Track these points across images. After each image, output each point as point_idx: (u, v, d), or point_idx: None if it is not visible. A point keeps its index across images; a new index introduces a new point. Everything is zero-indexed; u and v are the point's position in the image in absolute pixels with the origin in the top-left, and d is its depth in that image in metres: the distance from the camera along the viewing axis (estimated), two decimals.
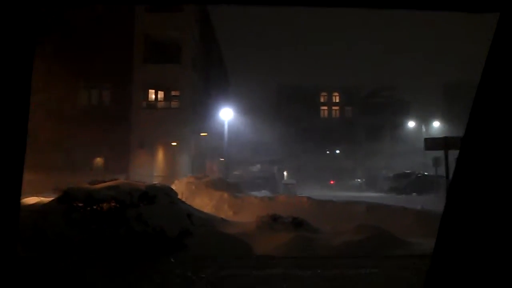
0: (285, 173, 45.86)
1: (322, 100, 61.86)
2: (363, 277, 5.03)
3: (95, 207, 8.50)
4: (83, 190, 8.80)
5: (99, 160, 25.12)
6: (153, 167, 25.29)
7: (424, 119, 52.79)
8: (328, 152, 57.73)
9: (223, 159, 33.92)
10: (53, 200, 9.09)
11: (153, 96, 27.32)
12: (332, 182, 45.71)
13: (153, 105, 27.01)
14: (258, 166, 36.93)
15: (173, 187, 14.02)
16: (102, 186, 9.15)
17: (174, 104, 27.07)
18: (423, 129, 50.65)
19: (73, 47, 23.81)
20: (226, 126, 29.40)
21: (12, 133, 1.09)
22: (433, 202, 16.32)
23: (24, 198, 9.96)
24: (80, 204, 8.51)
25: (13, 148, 1.11)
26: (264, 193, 20.94)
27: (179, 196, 11.50)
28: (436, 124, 51.26)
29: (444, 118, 51.48)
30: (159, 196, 9.21)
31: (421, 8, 1.35)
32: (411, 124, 54.50)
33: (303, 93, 59.16)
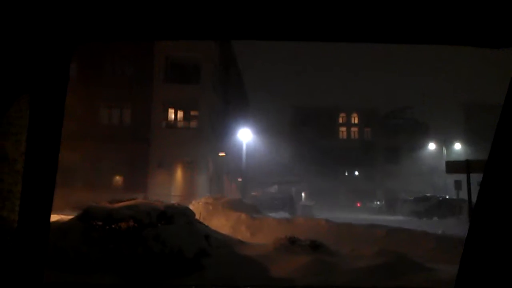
0: (303, 194, 45.54)
1: (340, 121, 61.66)
2: None
3: (114, 226, 8.56)
4: (103, 209, 8.89)
5: (118, 179, 25.39)
6: (171, 187, 25.42)
7: (445, 141, 52.04)
8: (346, 173, 57.21)
9: (240, 180, 33.90)
10: (73, 218, 9.19)
11: (173, 116, 27.67)
12: (358, 204, 45.08)
13: (172, 124, 27.33)
14: (276, 187, 36.78)
15: (191, 207, 14.04)
16: (121, 205, 9.22)
17: (193, 124, 27.35)
18: (444, 151, 49.89)
19: (94, 67, 24.39)
20: (244, 147, 29.48)
21: (44, 156, 1.13)
22: (455, 226, 15.96)
23: None
24: (100, 223, 8.58)
25: (45, 172, 1.14)
26: (281, 214, 20.80)
27: (197, 217, 11.49)
28: (457, 146, 50.44)
29: (465, 140, 50.62)
30: (177, 217, 9.23)
31: (438, 43, 1.36)
32: (431, 146, 53.73)
33: (321, 113, 59.10)
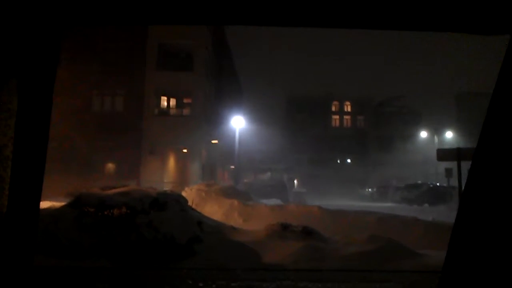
0: (295, 181, 45.72)
1: (333, 109, 61.74)
2: None
3: (106, 212, 8.55)
4: (95, 196, 8.88)
5: (110, 166, 25.32)
6: (164, 174, 25.42)
7: (436, 129, 52.36)
8: (339, 161, 57.46)
9: (233, 167, 33.95)
10: (65, 205, 9.17)
11: (165, 103, 27.55)
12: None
13: (165, 112, 27.23)
14: (269, 174, 36.93)
15: (183, 194, 14.06)
16: (114, 192, 9.21)
17: (186, 111, 27.27)
18: (435, 139, 50.21)
19: (86, 55, 24.14)
20: (237, 134, 29.47)
21: (33, 141, 1.13)
22: (445, 213, 16.15)
23: None
24: (92, 210, 8.57)
25: (34, 156, 1.14)
26: (274, 201, 20.88)
27: (189, 203, 11.52)
28: (448, 134, 50.81)
29: (456, 128, 51.00)
30: (170, 203, 9.25)
31: (432, 29, 1.36)
32: (423, 134, 54.06)
33: (314, 101, 59.12)
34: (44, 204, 11.16)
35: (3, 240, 1.11)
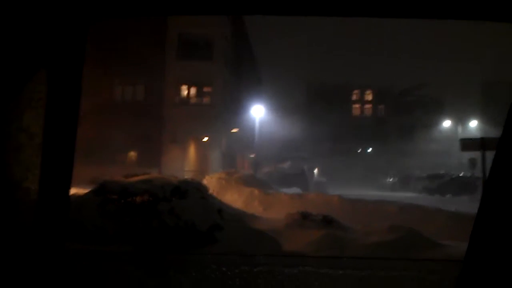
0: (315, 170, 45.58)
1: (354, 98, 61.07)
2: (394, 279, 4.97)
3: (129, 200, 8.71)
4: (118, 183, 9.04)
5: (132, 154, 25.69)
6: (185, 162, 25.66)
7: (460, 119, 51.33)
8: (360, 150, 56.96)
9: (253, 155, 34.03)
10: (89, 192, 9.36)
11: (186, 92, 27.69)
12: None
13: (185, 101, 27.39)
14: (288, 163, 36.81)
15: (204, 182, 14.19)
16: (136, 180, 9.36)
17: (206, 100, 27.38)
18: (459, 129, 49.27)
19: (107, 44, 24.36)
20: (257, 123, 29.48)
21: (63, 130, 1.16)
22: (468, 204, 15.89)
23: None
24: (115, 197, 8.74)
25: (64, 144, 1.17)
26: (294, 190, 20.89)
27: (210, 192, 11.63)
28: (472, 124, 49.77)
29: (481, 117, 49.89)
30: (191, 191, 9.35)
31: (435, 17, 1.33)
32: (447, 123, 53.05)
33: (335, 90, 58.55)
34: None
35: (36, 224, 1.15)
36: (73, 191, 11.41)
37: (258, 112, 30.14)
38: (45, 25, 1.14)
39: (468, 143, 13.57)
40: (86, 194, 9.41)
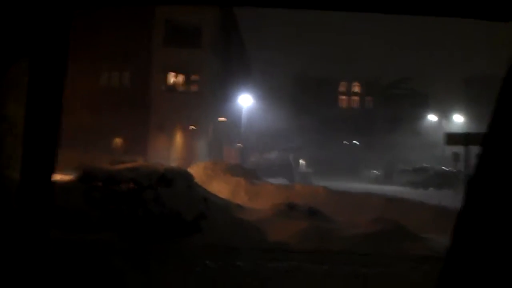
0: (301, 161, 45.76)
1: (341, 89, 61.26)
2: (377, 275, 5.04)
3: (114, 187, 8.65)
4: (104, 170, 8.97)
5: (118, 141, 25.48)
6: (171, 150, 25.54)
7: (445, 113, 51.86)
8: (346, 142, 57.31)
9: (240, 145, 34.00)
10: (74, 179, 9.27)
11: (173, 80, 27.47)
12: None
13: (172, 88, 27.17)
14: (275, 153, 36.88)
15: (190, 171, 14.13)
16: (122, 167, 9.29)
17: (193, 88, 27.20)
18: (443, 123, 49.80)
19: (94, 29, 23.96)
20: (243, 113, 29.42)
21: (46, 118, 1.13)
22: (451, 197, 16.13)
23: None
24: (100, 184, 8.67)
25: (47, 133, 1.14)
26: (280, 180, 20.98)
27: (196, 180, 11.60)
28: (457, 118, 50.36)
29: (465, 112, 50.48)
30: (177, 180, 9.31)
31: (443, 15, 1.32)
32: (431, 117, 53.60)
33: (322, 82, 58.65)
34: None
35: (20, 212, 1.13)
36: (57, 177, 11.28)
37: (245, 101, 30.07)
38: (27, 11, 1.11)
39: (452, 137, 13.79)
40: (70, 181, 9.32)
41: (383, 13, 1.39)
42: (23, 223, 1.12)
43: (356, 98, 61.14)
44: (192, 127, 26.15)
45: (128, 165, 9.64)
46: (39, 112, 1.11)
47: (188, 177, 10.15)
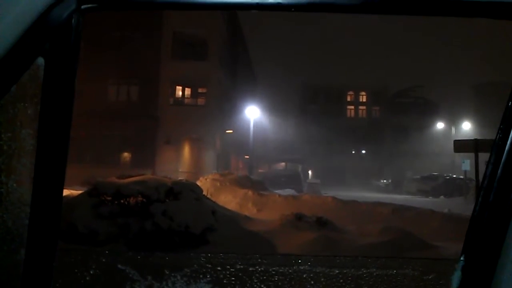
0: (309, 172, 45.65)
1: (349, 99, 61.27)
2: (390, 277, 4.98)
3: (122, 201, 8.67)
4: (112, 185, 8.99)
5: (126, 155, 25.60)
6: (179, 163, 25.60)
7: (454, 120, 51.60)
8: (354, 152, 57.13)
9: (248, 157, 34.02)
10: (82, 193, 9.31)
11: (180, 93, 27.65)
12: None
13: (180, 101, 27.35)
14: (283, 164, 36.89)
15: (198, 183, 14.15)
16: (130, 181, 9.32)
17: (200, 101, 27.34)
18: (453, 130, 49.53)
19: (102, 43, 24.26)
20: (251, 124, 29.48)
21: (57, 131, 1.13)
22: (461, 205, 15.97)
23: None
24: (108, 198, 8.69)
25: (56, 157, 1.14)
26: (288, 191, 20.89)
27: (204, 193, 11.61)
28: (466, 125, 50.04)
29: (474, 119, 50.16)
30: (185, 192, 9.31)
31: (451, 14, 1.32)
32: (440, 125, 53.33)
33: (330, 92, 58.73)
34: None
35: (31, 224, 1.13)
36: (66, 192, 11.36)
37: (253, 113, 30.15)
38: (38, 12, 1.10)
39: (461, 145, 13.66)
40: (79, 195, 9.36)
41: (388, 14, 1.38)
42: (34, 234, 1.12)
43: (363, 107, 61.11)
44: (200, 139, 26.23)
45: (136, 178, 9.67)
46: (52, 122, 1.11)
47: (196, 190, 10.15)
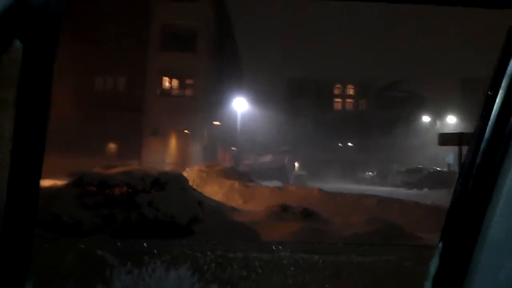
0: (296, 164, 45.83)
1: (336, 92, 61.48)
2: (369, 264, 5.04)
3: (107, 192, 8.63)
4: (97, 175, 8.94)
5: (112, 146, 25.42)
6: (165, 154, 25.51)
7: (439, 114, 52.16)
8: (340, 144, 57.46)
9: (234, 148, 34.00)
10: (67, 184, 9.24)
11: (168, 84, 27.49)
12: None
13: (167, 93, 27.19)
14: (270, 156, 36.95)
15: (184, 174, 14.13)
16: (115, 172, 9.27)
17: (188, 92, 27.22)
18: (438, 124, 50.09)
19: (89, 34, 23.97)
20: (239, 116, 29.45)
21: (33, 118, 1.13)
22: (444, 197, 16.21)
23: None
24: (94, 189, 8.65)
25: (34, 141, 1.14)
26: (274, 183, 20.98)
27: (190, 184, 11.60)
28: (451, 119, 50.63)
29: (459, 113, 50.78)
30: (171, 183, 9.30)
31: (440, 3, 1.34)
32: (426, 118, 53.86)
33: (317, 84, 58.85)
34: (46, 183, 11.22)
35: (7, 211, 1.13)
36: (50, 182, 11.24)
37: (240, 105, 30.10)
38: None
39: (446, 138, 13.85)
40: (64, 186, 9.29)
41: (383, 2, 1.39)
42: (10, 222, 1.12)
43: (350, 100, 61.38)
44: (187, 131, 26.14)
45: (122, 169, 9.63)
46: (30, 108, 1.09)
47: (182, 181, 10.14)
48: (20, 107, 1.07)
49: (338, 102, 61.45)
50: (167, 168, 19.91)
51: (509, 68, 1.20)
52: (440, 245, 1.32)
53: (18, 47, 1.06)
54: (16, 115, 1.07)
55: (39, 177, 1.16)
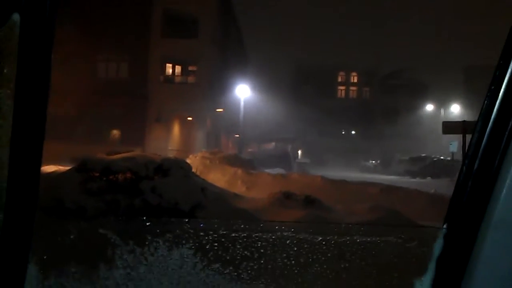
0: (299, 152, 45.84)
1: (340, 79, 61.17)
2: (373, 244, 5.02)
3: (111, 177, 8.65)
4: (100, 161, 8.95)
5: (115, 132, 25.45)
6: (169, 141, 25.54)
7: (443, 103, 51.85)
8: (343, 132, 57.35)
9: (238, 136, 34.00)
10: (70, 169, 9.26)
11: (170, 71, 27.39)
12: None
13: (170, 79, 27.11)
14: (273, 144, 36.99)
15: (188, 161, 14.15)
16: (119, 157, 9.28)
17: (191, 79, 27.14)
18: (442, 112, 49.83)
19: (91, 20, 23.81)
20: (242, 103, 29.37)
21: (33, 102, 1.10)
22: (447, 186, 16.18)
23: (42, 166, 10.13)
24: (97, 174, 8.66)
25: (34, 117, 1.12)
26: (277, 170, 20.99)
27: (193, 171, 11.61)
28: (455, 108, 50.36)
29: (464, 102, 50.48)
30: (174, 169, 9.31)
31: None
32: (430, 107, 53.57)
33: (321, 72, 58.51)
34: (49, 168, 11.27)
35: (8, 193, 1.11)
36: (54, 168, 11.28)
37: (243, 92, 30.00)
38: None
39: (449, 126, 13.78)
40: (67, 171, 9.31)
41: None
42: (11, 197, 1.10)
43: (354, 88, 61.10)
44: (190, 117, 26.12)
45: (125, 155, 9.63)
46: (30, 78, 1.06)
47: (185, 167, 10.14)
48: (20, 82, 1.04)
49: (342, 89, 61.19)
50: (170, 154, 19.93)
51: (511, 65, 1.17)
52: (445, 226, 1.31)
53: (15, 20, 1.03)
54: (16, 89, 1.05)
55: (41, 150, 1.14)
